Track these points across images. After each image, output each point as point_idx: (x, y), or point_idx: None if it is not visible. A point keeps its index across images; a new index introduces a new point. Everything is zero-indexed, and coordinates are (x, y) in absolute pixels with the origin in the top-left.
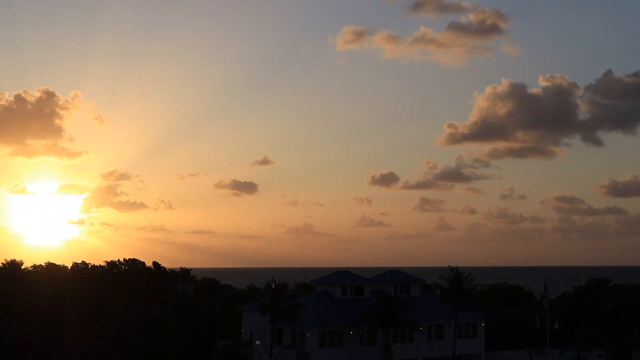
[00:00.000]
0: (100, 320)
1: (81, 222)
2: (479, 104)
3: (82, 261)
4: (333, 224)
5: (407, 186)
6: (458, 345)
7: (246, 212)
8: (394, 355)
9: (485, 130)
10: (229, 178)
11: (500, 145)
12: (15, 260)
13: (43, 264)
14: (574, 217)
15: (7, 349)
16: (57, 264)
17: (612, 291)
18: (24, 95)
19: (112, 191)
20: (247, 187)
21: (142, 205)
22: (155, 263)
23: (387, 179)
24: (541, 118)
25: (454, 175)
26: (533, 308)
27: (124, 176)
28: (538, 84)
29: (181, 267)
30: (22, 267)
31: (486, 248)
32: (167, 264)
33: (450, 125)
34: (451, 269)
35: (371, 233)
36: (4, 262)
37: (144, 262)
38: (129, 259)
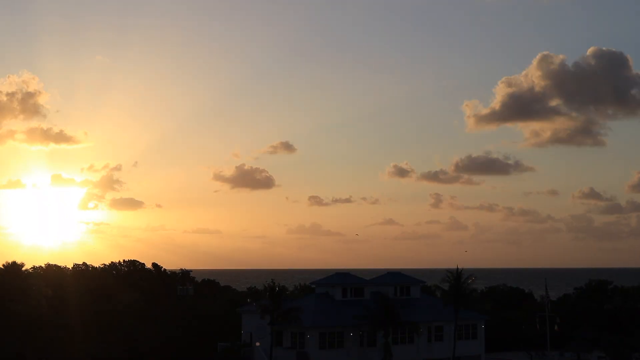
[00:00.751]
0: (101, 321)
1: (79, 222)
2: (510, 80)
3: (83, 262)
4: (344, 222)
5: (423, 178)
6: (458, 346)
7: (252, 210)
8: (395, 357)
9: (515, 112)
10: (234, 174)
11: (535, 126)
12: (15, 261)
13: (43, 265)
14: (603, 217)
15: (8, 351)
16: (58, 265)
17: (613, 293)
18: (12, 83)
19: (111, 188)
20: (255, 184)
21: (141, 204)
22: (155, 264)
23: (402, 173)
24: (581, 98)
25: (477, 167)
26: (533, 309)
27: (123, 173)
28: (583, 57)
29: (181, 269)
30: (23, 268)
31: (498, 249)
32: (168, 265)
33: (475, 106)
34: (449, 271)
35: (380, 233)
36: (5, 264)
37: (143, 264)
38: (129, 260)
